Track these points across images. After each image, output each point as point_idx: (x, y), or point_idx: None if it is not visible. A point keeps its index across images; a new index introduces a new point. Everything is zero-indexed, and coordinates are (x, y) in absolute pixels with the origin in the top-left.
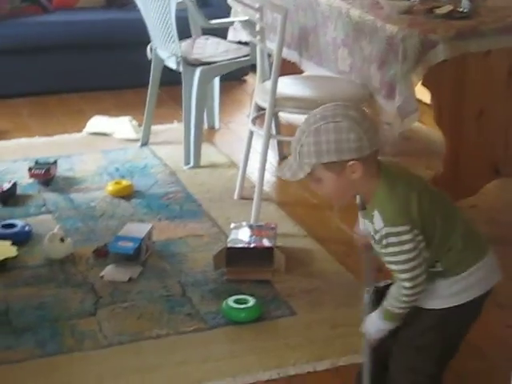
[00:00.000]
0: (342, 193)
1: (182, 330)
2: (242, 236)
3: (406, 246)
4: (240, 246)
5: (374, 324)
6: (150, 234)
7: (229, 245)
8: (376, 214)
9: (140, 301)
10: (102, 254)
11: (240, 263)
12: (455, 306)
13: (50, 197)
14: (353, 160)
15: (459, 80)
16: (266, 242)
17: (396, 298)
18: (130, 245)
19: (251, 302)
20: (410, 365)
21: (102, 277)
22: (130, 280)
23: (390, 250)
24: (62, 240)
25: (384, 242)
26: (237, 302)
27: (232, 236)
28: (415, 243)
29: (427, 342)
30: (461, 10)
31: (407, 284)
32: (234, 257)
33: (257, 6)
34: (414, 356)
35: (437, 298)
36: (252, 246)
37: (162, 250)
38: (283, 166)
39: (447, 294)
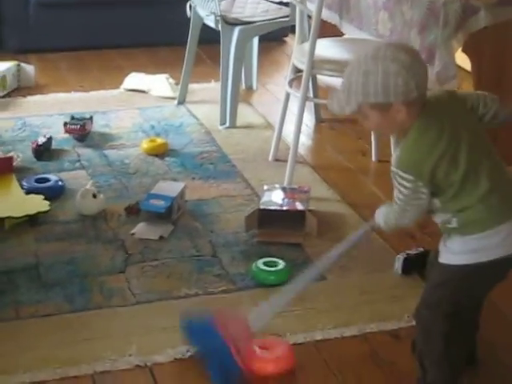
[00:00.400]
0: (385, 129)
1: (210, 291)
2: (275, 198)
3: (405, 191)
4: (272, 208)
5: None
6: (182, 193)
7: (261, 206)
8: (397, 151)
9: (170, 260)
10: (134, 212)
11: (272, 225)
12: (468, 265)
13: (85, 152)
14: (398, 102)
15: (500, 48)
16: (298, 205)
17: (388, 214)
18: (162, 203)
19: (281, 264)
20: (422, 323)
21: (132, 234)
22: (160, 238)
23: (395, 184)
24: (95, 196)
25: (393, 178)
26: (266, 264)
27: (265, 198)
28: (414, 192)
29: (438, 297)
30: None
31: (395, 214)
32: (266, 219)
33: None
34: (427, 314)
35: (451, 253)
36: (284, 208)
37: (194, 209)
38: (332, 97)
39: (461, 251)
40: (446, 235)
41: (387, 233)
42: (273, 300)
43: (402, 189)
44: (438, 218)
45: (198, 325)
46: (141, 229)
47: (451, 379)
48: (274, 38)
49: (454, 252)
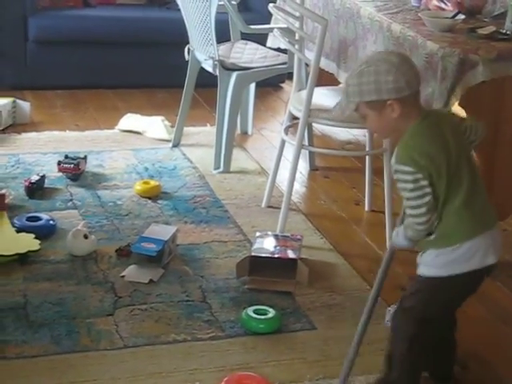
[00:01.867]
0: (383, 128)
1: (198, 337)
2: (267, 245)
3: (409, 186)
4: (264, 255)
5: (400, 242)
6: (174, 236)
7: (253, 253)
8: (395, 150)
9: (159, 304)
10: (125, 254)
11: (263, 273)
12: (440, 277)
13: (78, 192)
14: (391, 100)
15: (497, 103)
16: (290, 254)
17: (408, 228)
18: (154, 247)
19: (271, 313)
20: (395, 324)
21: (122, 277)
22: (150, 282)
23: (398, 186)
24: (86, 237)
25: (395, 177)
26: (256, 312)
27: (257, 245)
28: (417, 186)
29: (411, 304)
30: (503, 31)
31: (411, 220)
32: (257, 266)
33: (297, 14)
34: (400, 316)
35: (425, 265)
36: (276, 256)
37: (186, 253)
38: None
39: (433, 264)
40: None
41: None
42: None
43: (405, 185)
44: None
45: None
46: (131, 272)
47: (410, 381)
48: (270, 83)
49: (428, 264)
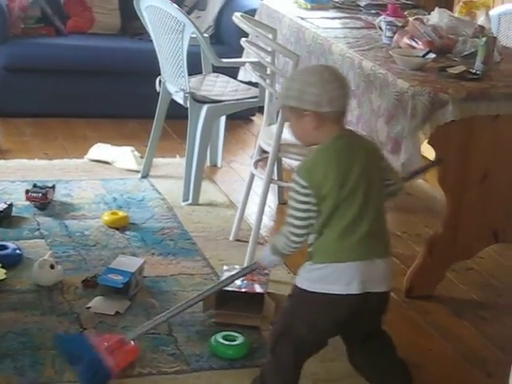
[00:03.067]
0: (301, 136)
1: (164, 371)
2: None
3: (298, 197)
4: (231, 289)
5: (267, 257)
6: (141, 268)
7: None
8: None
9: None
10: (91, 285)
11: (229, 307)
12: (306, 291)
13: (45, 221)
14: (309, 111)
15: (466, 142)
16: (257, 288)
17: (281, 235)
18: (120, 278)
19: (239, 339)
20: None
21: (88, 308)
22: (116, 314)
23: (289, 193)
24: (52, 267)
25: (292, 185)
26: (225, 338)
27: (223, 278)
28: (305, 200)
29: (285, 305)
30: (473, 71)
31: (288, 229)
32: (224, 300)
33: (269, 49)
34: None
35: (300, 277)
36: (243, 290)
37: (152, 286)
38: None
39: (305, 276)
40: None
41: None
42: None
43: (295, 196)
44: (309, 239)
45: (70, 338)
46: (97, 303)
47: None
48: (241, 116)
49: (301, 276)
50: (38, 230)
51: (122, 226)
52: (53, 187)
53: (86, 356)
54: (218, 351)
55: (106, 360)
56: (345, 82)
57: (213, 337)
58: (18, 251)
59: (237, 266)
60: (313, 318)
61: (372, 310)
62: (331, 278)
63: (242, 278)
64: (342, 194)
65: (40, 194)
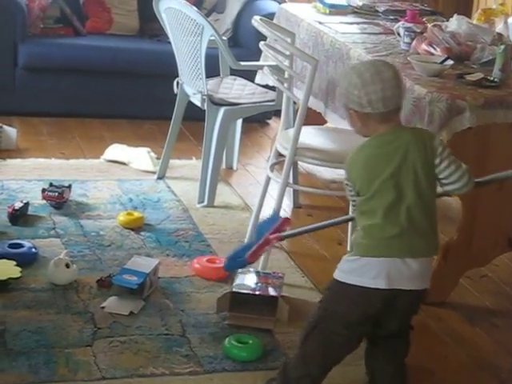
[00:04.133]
0: (356, 130)
1: (177, 371)
2: (249, 282)
3: (344, 182)
4: (245, 291)
5: None
6: (156, 269)
7: (234, 289)
8: None
9: (138, 336)
10: (106, 285)
11: (243, 309)
12: (339, 282)
13: (61, 221)
14: (353, 110)
15: (482, 149)
16: (271, 291)
17: None
18: (135, 279)
19: (253, 341)
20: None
21: (103, 308)
22: (130, 314)
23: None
24: (68, 266)
25: None
26: (238, 340)
27: (238, 281)
28: (347, 187)
29: (318, 304)
30: (491, 78)
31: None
32: (238, 302)
33: (287, 53)
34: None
35: (336, 268)
36: (257, 293)
37: (167, 287)
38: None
39: (340, 268)
40: None
41: None
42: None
43: (344, 180)
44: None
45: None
46: (111, 303)
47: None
48: (257, 119)
49: (338, 267)
50: (54, 229)
51: (137, 226)
52: (69, 187)
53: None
54: (232, 353)
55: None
56: (390, 82)
57: (226, 339)
58: (33, 250)
59: (251, 269)
60: (343, 310)
61: (402, 308)
62: (361, 271)
63: (256, 281)
64: (371, 191)
65: (56, 194)
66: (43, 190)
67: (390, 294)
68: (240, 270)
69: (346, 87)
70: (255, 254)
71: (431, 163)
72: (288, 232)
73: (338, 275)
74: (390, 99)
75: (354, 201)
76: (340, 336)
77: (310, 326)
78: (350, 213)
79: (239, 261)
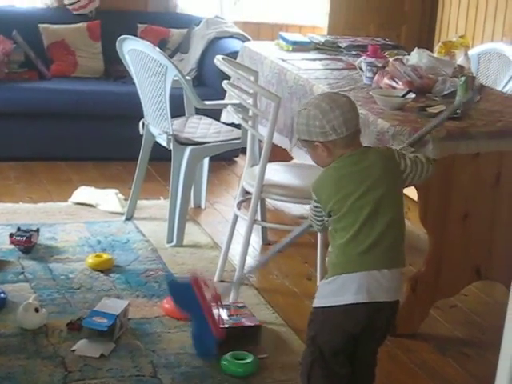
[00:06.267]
0: (319, 163)
1: None
2: (222, 316)
3: (312, 206)
4: (227, 326)
5: None
6: (125, 311)
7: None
8: None
9: (110, 379)
10: (76, 328)
11: (229, 343)
12: (319, 308)
13: (29, 265)
14: (318, 142)
15: (446, 181)
16: (248, 320)
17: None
18: (105, 321)
19: (249, 358)
20: None
21: (73, 351)
22: (101, 356)
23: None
24: (37, 310)
25: None
26: (235, 357)
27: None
28: (317, 211)
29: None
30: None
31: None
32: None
33: (251, 91)
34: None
35: (314, 298)
36: (240, 325)
37: (137, 328)
38: None
39: (317, 296)
40: None
41: None
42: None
43: (311, 203)
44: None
45: (179, 284)
46: (82, 346)
47: None
48: (224, 157)
49: (316, 296)
50: (23, 273)
51: (106, 268)
52: (37, 230)
53: (193, 318)
54: (230, 370)
55: (211, 327)
56: (347, 106)
57: (223, 357)
58: (2, 295)
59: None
60: (329, 337)
61: (380, 325)
62: (342, 290)
63: (228, 314)
64: (343, 210)
65: (24, 238)
66: (11, 235)
67: (371, 308)
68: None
69: (305, 123)
70: (216, 326)
71: (399, 177)
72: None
73: (317, 303)
74: (350, 121)
75: (320, 222)
76: (337, 365)
77: (307, 366)
78: (319, 245)
79: (209, 343)
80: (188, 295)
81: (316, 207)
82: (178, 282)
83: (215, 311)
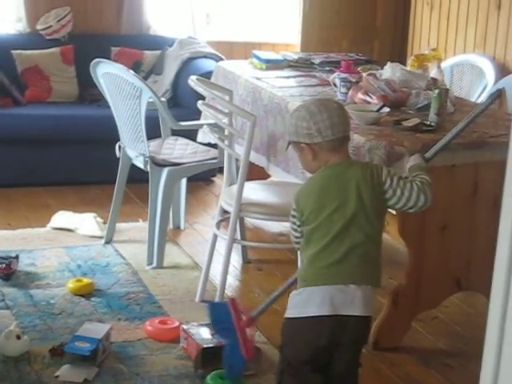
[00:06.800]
0: (305, 166)
1: None
2: (206, 335)
3: (291, 217)
4: (211, 345)
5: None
6: (108, 334)
7: (204, 345)
8: None
9: None
10: (58, 353)
11: (216, 361)
12: (288, 319)
13: (10, 292)
14: (303, 144)
15: None
16: None
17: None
18: (87, 346)
19: None
20: None
21: (56, 377)
22: (85, 381)
23: None
24: (19, 337)
25: None
26: (219, 376)
27: (196, 336)
28: (293, 221)
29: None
30: (428, 123)
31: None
32: (209, 357)
33: (226, 111)
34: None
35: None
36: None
37: (120, 351)
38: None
39: (288, 307)
40: None
41: None
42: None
43: (291, 212)
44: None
45: (218, 305)
46: (65, 371)
47: None
48: (202, 177)
49: (288, 306)
50: (3, 300)
51: (87, 292)
52: (16, 257)
53: (227, 339)
54: None
55: (241, 348)
56: (336, 111)
57: (208, 376)
58: None
59: (194, 323)
60: (298, 348)
61: (350, 338)
62: (306, 302)
63: (211, 333)
64: (317, 222)
65: (4, 265)
66: None
67: (336, 321)
68: (185, 326)
69: (294, 123)
70: (247, 347)
71: (380, 197)
72: (257, 310)
73: (288, 313)
74: (337, 126)
75: (298, 234)
76: (307, 374)
77: (278, 373)
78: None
79: (237, 365)
80: (224, 316)
81: (293, 216)
82: (217, 303)
83: (248, 333)
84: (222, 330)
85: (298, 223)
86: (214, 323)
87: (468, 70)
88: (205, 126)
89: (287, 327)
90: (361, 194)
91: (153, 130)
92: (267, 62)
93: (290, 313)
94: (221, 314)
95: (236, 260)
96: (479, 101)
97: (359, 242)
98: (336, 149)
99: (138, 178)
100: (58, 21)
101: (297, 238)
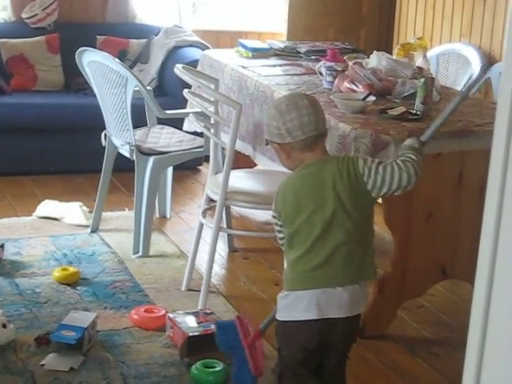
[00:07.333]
0: (282, 164)
1: None
2: (192, 323)
3: (272, 217)
4: (197, 334)
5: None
6: (94, 323)
7: (190, 333)
8: None
9: None
10: (44, 342)
11: (202, 350)
12: (279, 321)
13: None
14: (275, 143)
15: None
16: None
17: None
18: (73, 334)
19: (219, 366)
20: None
21: (42, 365)
22: (71, 370)
23: None
24: (4, 326)
25: None
26: (205, 365)
27: (182, 325)
28: (275, 222)
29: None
30: (414, 111)
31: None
32: (195, 346)
33: (212, 99)
34: None
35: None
36: (211, 331)
37: (106, 339)
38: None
39: (277, 308)
40: None
41: None
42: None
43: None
44: None
45: (225, 323)
46: (51, 360)
47: None
48: (188, 166)
49: (277, 307)
50: None
51: (73, 281)
52: (2, 246)
53: (235, 357)
54: (200, 378)
55: (251, 365)
56: (306, 109)
57: (193, 366)
58: None
59: (180, 312)
60: (290, 350)
61: (339, 338)
62: (292, 306)
63: (198, 321)
64: (297, 223)
65: None
66: None
67: (324, 324)
68: (171, 315)
69: (267, 122)
70: (256, 364)
71: (361, 190)
72: (264, 323)
73: (277, 316)
74: (307, 125)
75: (281, 238)
76: (303, 376)
77: (278, 375)
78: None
79: (247, 382)
80: (232, 334)
81: (274, 217)
82: (224, 322)
83: (257, 347)
84: (229, 348)
85: (280, 223)
86: (221, 342)
87: (454, 59)
88: (191, 115)
89: (279, 329)
90: (338, 193)
91: (139, 119)
92: (253, 50)
93: (279, 315)
94: (228, 333)
95: (222, 248)
96: (465, 90)
97: (341, 241)
98: (310, 147)
99: (124, 167)
100: (44, 9)
101: (281, 239)
